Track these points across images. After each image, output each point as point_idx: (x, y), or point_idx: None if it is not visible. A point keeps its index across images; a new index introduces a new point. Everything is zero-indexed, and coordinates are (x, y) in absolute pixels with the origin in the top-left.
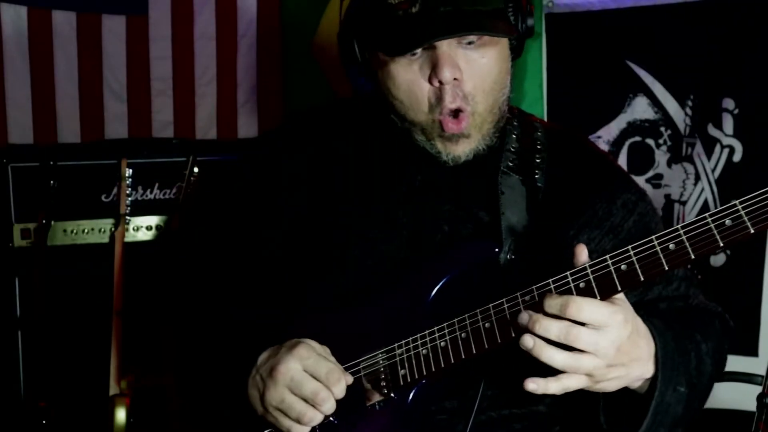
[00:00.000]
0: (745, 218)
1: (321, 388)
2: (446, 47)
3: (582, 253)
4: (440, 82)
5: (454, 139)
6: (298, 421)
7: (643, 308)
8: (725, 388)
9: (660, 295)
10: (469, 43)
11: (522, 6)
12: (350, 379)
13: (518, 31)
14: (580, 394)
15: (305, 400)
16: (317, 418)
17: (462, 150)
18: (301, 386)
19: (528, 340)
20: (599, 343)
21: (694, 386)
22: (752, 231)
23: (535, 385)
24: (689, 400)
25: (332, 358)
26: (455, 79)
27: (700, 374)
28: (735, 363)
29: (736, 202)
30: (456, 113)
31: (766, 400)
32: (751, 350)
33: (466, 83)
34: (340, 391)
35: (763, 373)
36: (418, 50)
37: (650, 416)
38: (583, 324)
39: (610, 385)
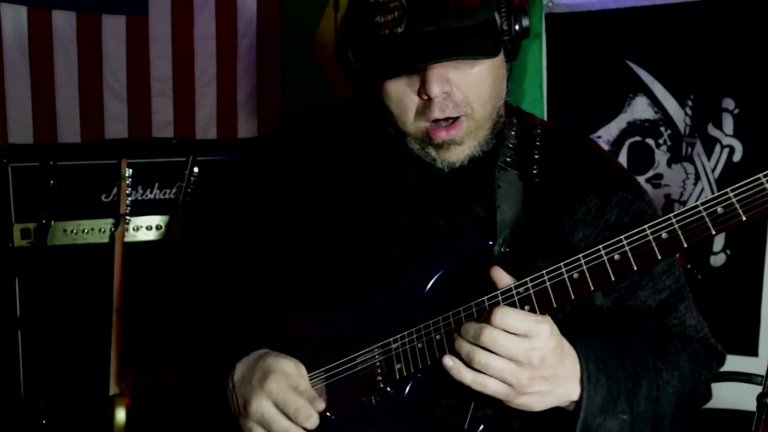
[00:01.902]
0: (737, 206)
1: (290, 426)
2: (434, 64)
3: (500, 279)
4: (429, 97)
5: (445, 146)
6: None
7: (615, 320)
8: (725, 388)
9: (644, 304)
10: None
11: (515, 7)
12: (321, 407)
13: (512, 35)
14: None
15: None
16: None
17: (456, 156)
18: (271, 425)
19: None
20: (519, 347)
21: (642, 413)
22: (744, 218)
23: (450, 361)
24: (636, 427)
25: (304, 386)
26: (445, 92)
27: (652, 401)
28: (735, 363)
29: (728, 189)
30: (452, 120)
31: (766, 400)
32: (751, 350)
33: (457, 94)
34: (311, 424)
35: (763, 373)
36: None
37: None
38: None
39: (533, 401)
